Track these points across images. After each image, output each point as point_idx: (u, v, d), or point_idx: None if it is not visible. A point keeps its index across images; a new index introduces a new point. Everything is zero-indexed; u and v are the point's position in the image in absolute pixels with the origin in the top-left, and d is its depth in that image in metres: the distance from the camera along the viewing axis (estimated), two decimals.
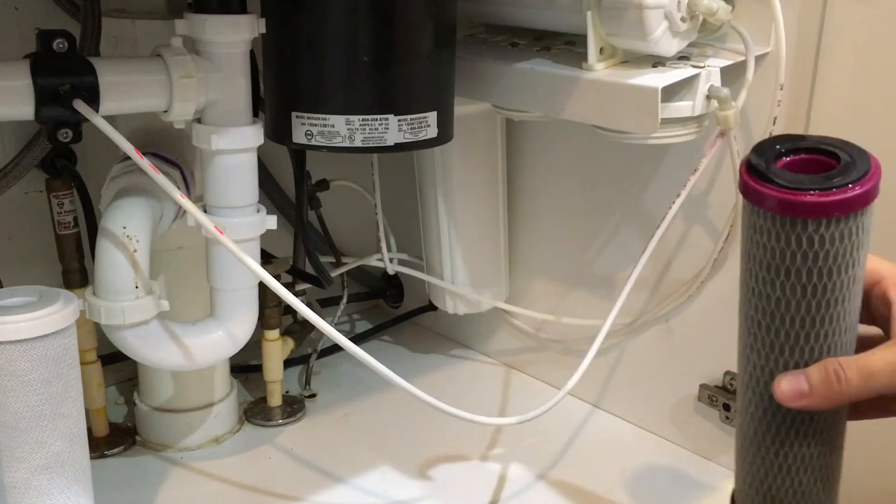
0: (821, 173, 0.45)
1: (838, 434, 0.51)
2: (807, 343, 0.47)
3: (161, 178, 0.60)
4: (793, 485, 0.50)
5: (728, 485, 0.80)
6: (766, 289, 0.47)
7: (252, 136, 0.66)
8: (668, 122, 0.68)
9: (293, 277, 0.88)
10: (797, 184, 0.45)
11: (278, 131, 0.68)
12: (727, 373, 0.80)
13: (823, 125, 0.70)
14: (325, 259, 0.97)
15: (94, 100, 0.58)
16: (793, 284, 0.46)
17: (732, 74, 0.70)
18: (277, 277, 0.69)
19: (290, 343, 0.91)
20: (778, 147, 0.48)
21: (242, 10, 0.64)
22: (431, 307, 1.04)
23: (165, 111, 0.63)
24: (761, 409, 0.49)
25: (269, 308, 0.85)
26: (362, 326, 1.12)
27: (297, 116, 0.66)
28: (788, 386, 0.46)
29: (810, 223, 0.44)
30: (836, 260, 0.45)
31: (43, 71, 0.57)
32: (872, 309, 0.50)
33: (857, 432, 0.53)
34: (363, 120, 0.65)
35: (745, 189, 0.47)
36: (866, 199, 0.45)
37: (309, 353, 0.99)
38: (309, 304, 0.79)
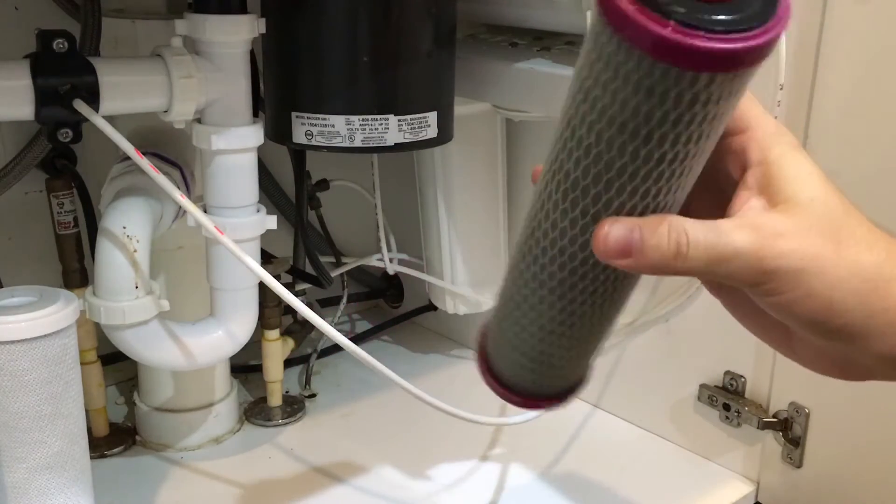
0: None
1: (625, 301, 0.40)
2: (634, 213, 0.35)
3: (161, 178, 0.60)
4: (555, 347, 0.42)
5: (728, 485, 0.81)
6: (606, 148, 0.33)
7: (252, 136, 0.66)
8: None
9: (293, 277, 0.88)
10: (698, 20, 0.30)
11: (278, 131, 0.68)
12: (727, 373, 0.80)
13: (823, 125, 0.70)
14: (325, 259, 0.97)
15: (94, 100, 0.58)
16: (649, 152, 0.33)
17: None
18: (277, 277, 0.69)
19: (290, 343, 0.91)
20: None
21: (242, 10, 0.64)
22: (431, 307, 1.04)
23: (165, 111, 0.63)
24: (547, 275, 0.38)
25: (269, 308, 0.85)
26: (362, 326, 1.12)
27: (297, 116, 0.66)
28: (618, 235, 0.34)
29: (702, 78, 0.31)
30: (713, 123, 0.33)
31: (43, 71, 0.57)
32: (719, 162, 0.39)
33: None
34: (363, 120, 0.65)
35: (612, 11, 0.31)
36: (778, 39, 0.31)
37: (309, 353, 0.99)
38: (309, 304, 0.79)
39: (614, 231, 0.34)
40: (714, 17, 0.30)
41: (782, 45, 0.69)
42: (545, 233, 0.37)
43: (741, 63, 0.31)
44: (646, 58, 0.30)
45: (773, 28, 0.30)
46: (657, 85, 0.31)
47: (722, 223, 0.35)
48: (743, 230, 0.35)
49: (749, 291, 0.36)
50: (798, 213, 0.36)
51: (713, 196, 0.39)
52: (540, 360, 0.43)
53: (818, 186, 0.37)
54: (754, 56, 0.31)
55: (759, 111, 0.38)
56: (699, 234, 0.35)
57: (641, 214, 0.35)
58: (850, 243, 0.35)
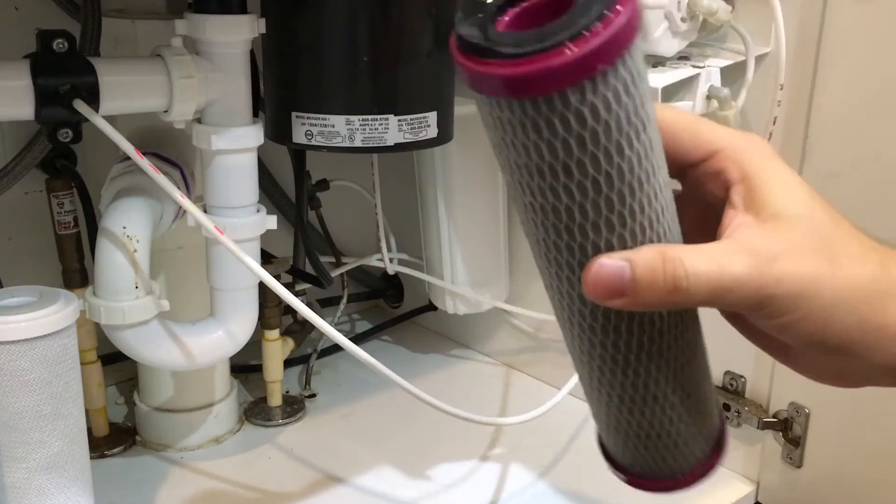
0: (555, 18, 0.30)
1: (691, 338, 0.38)
2: (622, 247, 0.34)
3: (161, 178, 0.60)
4: (646, 415, 0.39)
5: (728, 485, 0.81)
6: (545, 199, 0.33)
7: (252, 136, 0.66)
8: None
9: (293, 277, 0.88)
10: (521, 46, 0.29)
11: (278, 131, 0.68)
12: (727, 373, 0.80)
13: (823, 125, 0.70)
14: (325, 259, 0.97)
15: (94, 100, 0.58)
16: (579, 182, 0.32)
17: (732, 74, 0.70)
18: (277, 277, 0.69)
19: (290, 343, 0.91)
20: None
21: (242, 10, 0.64)
22: (431, 307, 1.04)
23: (165, 111, 0.63)
24: (586, 340, 0.37)
25: (269, 308, 0.85)
26: (362, 326, 1.12)
27: (297, 116, 0.66)
28: (607, 274, 0.33)
29: (569, 95, 0.30)
30: (620, 130, 0.31)
31: (43, 71, 0.57)
32: (702, 188, 0.38)
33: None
34: (363, 120, 0.65)
35: (463, 73, 0.31)
36: (629, 32, 0.30)
37: (309, 353, 0.99)
38: (309, 304, 0.79)
39: (604, 271, 0.33)
40: (544, 35, 0.29)
41: (782, 44, 0.68)
42: (560, 303, 0.36)
43: (598, 63, 0.29)
44: (510, 101, 0.30)
45: (613, 20, 0.29)
46: (538, 119, 0.30)
47: (717, 249, 0.35)
48: (740, 255, 0.34)
49: (746, 315, 0.36)
50: (790, 230, 0.35)
51: (705, 220, 0.39)
52: (640, 434, 0.40)
53: (804, 199, 0.36)
54: (607, 54, 0.29)
55: (721, 131, 0.38)
56: (699, 264, 0.34)
57: (625, 246, 0.33)
58: (844, 260, 0.35)
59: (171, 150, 0.72)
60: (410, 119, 0.67)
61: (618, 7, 0.29)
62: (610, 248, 0.33)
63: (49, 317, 0.57)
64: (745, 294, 0.34)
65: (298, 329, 0.94)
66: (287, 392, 0.93)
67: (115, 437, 0.84)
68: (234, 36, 0.63)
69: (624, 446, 0.41)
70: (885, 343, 0.36)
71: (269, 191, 0.97)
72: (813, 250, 0.35)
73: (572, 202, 0.32)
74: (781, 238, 0.35)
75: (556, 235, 0.34)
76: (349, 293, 1.03)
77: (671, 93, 0.68)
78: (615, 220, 0.33)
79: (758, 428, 0.77)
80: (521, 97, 0.30)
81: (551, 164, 0.32)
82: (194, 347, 0.68)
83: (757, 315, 0.35)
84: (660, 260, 0.33)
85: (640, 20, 0.31)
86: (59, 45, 0.58)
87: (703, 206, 0.39)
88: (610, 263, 0.33)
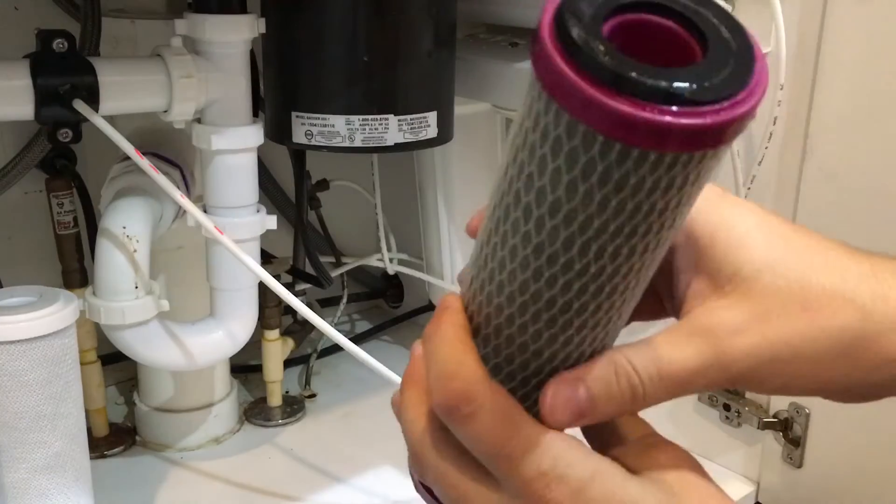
0: (681, 61, 0.26)
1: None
2: (593, 332, 0.31)
3: (161, 178, 0.60)
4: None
5: (728, 485, 0.81)
6: (553, 245, 0.28)
7: (252, 136, 0.66)
8: None
9: (293, 277, 0.88)
10: (664, 91, 0.24)
11: (278, 131, 0.68)
12: None
13: (823, 125, 0.70)
14: (325, 259, 0.97)
15: (93, 100, 0.58)
16: (601, 247, 0.27)
17: None
18: (277, 277, 0.69)
19: (290, 343, 0.91)
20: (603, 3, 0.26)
21: (242, 10, 0.64)
22: (431, 307, 1.04)
23: (165, 111, 0.63)
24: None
25: (269, 308, 0.85)
26: (362, 326, 1.12)
27: (297, 116, 0.66)
28: (563, 399, 0.31)
29: (681, 159, 0.25)
30: (677, 207, 0.27)
31: (43, 71, 0.57)
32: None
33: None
34: (363, 120, 0.65)
35: (553, 81, 0.25)
36: (755, 109, 0.26)
37: (309, 353, 0.99)
38: (309, 304, 0.79)
39: (559, 396, 0.31)
40: (684, 84, 0.24)
41: (782, 45, 0.69)
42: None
43: (722, 139, 0.25)
44: (599, 137, 0.25)
45: (753, 93, 0.25)
46: (614, 169, 0.25)
47: (669, 342, 0.31)
48: (693, 343, 0.31)
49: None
50: (749, 294, 0.32)
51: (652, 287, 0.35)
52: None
53: (760, 241, 0.32)
54: (736, 129, 0.25)
55: None
56: (650, 367, 0.31)
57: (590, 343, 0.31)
58: (823, 303, 0.31)
59: (171, 150, 0.72)
60: (410, 119, 0.67)
61: (757, 79, 0.26)
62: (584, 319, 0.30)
63: (49, 317, 0.57)
64: (712, 380, 0.31)
65: (298, 329, 0.94)
66: (287, 392, 0.93)
67: (114, 437, 0.84)
68: (234, 36, 0.63)
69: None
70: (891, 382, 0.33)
71: (269, 191, 0.97)
72: (782, 307, 0.31)
73: (580, 261, 0.28)
74: (741, 305, 0.32)
75: (531, 277, 0.30)
76: (349, 293, 1.03)
77: None
78: (604, 306, 0.30)
79: (758, 428, 0.77)
80: (621, 140, 0.25)
81: (588, 216, 0.27)
82: (194, 347, 0.68)
83: (741, 389, 0.33)
84: (611, 371, 0.31)
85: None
86: (59, 45, 0.58)
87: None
88: (563, 387, 0.31)
